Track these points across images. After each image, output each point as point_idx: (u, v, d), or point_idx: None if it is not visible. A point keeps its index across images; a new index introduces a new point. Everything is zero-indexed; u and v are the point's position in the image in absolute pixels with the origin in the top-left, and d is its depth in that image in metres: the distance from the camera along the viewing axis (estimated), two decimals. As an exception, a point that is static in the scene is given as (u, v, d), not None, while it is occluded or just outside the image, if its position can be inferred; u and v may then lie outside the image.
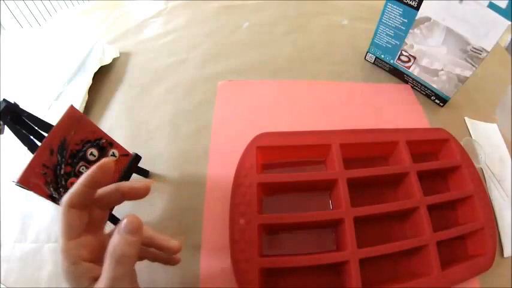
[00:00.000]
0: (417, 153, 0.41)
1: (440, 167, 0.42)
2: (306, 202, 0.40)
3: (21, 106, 0.31)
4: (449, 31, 0.44)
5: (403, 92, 0.55)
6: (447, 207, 0.41)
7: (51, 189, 0.30)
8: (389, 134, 0.43)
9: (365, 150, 0.42)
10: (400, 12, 0.48)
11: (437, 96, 0.52)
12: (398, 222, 0.40)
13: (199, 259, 0.36)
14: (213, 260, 0.36)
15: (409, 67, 0.53)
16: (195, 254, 0.37)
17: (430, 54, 0.49)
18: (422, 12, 0.46)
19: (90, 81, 0.52)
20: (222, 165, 0.42)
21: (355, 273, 0.33)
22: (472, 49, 0.43)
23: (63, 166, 0.31)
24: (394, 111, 0.51)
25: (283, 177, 0.38)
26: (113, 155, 0.36)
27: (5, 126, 0.30)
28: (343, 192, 0.37)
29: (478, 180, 0.41)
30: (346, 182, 0.37)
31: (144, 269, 0.36)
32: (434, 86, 0.51)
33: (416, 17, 0.47)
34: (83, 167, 0.33)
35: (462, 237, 0.39)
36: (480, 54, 0.43)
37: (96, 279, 0.22)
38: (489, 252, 0.36)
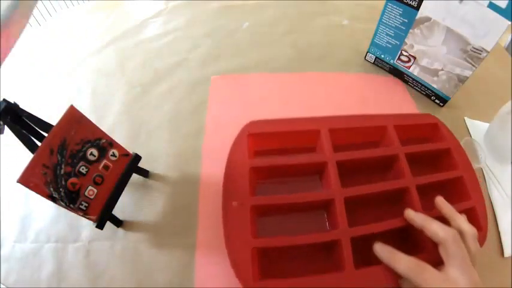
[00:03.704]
0: (407, 138, 0.42)
1: (428, 149, 0.42)
2: (297, 187, 0.41)
3: (21, 106, 0.31)
4: (449, 31, 0.44)
5: (392, 83, 0.56)
6: (438, 189, 0.41)
7: (51, 189, 0.30)
8: (377, 119, 0.43)
9: (354, 135, 0.43)
10: (400, 12, 0.48)
11: (437, 96, 0.52)
12: (390, 206, 0.40)
13: (194, 259, 0.36)
14: (208, 259, 0.36)
15: (409, 67, 0.53)
16: (192, 253, 0.37)
17: (430, 54, 0.49)
18: (422, 12, 0.46)
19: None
20: (216, 163, 0.42)
21: (347, 252, 0.33)
22: (472, 49, 0.43)
23: (63, 166, 0.31)
24: (384, 100, 0.53)
25: (274, 160, 0.39)
26: (113, 155, 0.36)
27: (5, 126, 0.30)
28: (333, 174, 0.37)
29: (467, 162, 0.41)
30: (336, 164, 0.38)
31: (141, 269, 0.36)
32: (434, 86, 0.51)
33: (416, 17, 0.47)
34: (83, 167, 0.33)
35: None
36: (480, 54, 0.43)
37: None
38: (481, 229, 0.37)
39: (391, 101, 0.53)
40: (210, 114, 0.49)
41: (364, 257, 0.33)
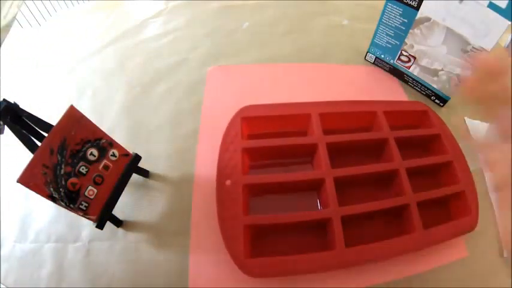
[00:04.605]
0: (398, 125, 0.42)
1: (418, 134, 0.43)
2: (289, 169, 0.42)
3: (21, 106, 0.31)
4: (449, 31, 0.44)
5: (381, 73, 0.57)
6: (428, 173, 0.42)
7: (51, 189, 0.30)
8: (367, 105, 0.44)
9: (344, 120, 0.44)
10: (400, 12, 0.48)
11: (437, 96, 0.52)
12: (381, 188, 0.40)
13: (188, 259, 0.36)
14: (202, 259, 0.36)
15: (409, 67, 0.53)
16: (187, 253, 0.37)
17: (430, 54, 0.49)
18: (422, 12, 0.46)
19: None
20: (209, 162, 0.42)
21: (338, 231, 0.33)
22: (472, 49, 0.43)
23: (63, 166, 0.31)
24: (375, 90, 0.54)
25: (265, 142, 0.40)
26: (113, 155, 0.36)
27: (5, 126, 0.30)
28: (323, 155, 0.38)
29: (457, 147, 0.42)
30: (326, 146, 0.39)
31: (141, 269, 0.36)
32: (434, 86, 0.51)
33: (416, 17, 0.47)
34: (83, 167, 0.33)
35: (444, 203, 0.40)
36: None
37: None
38: (471, 213, 0.37)
39: (382, 91, 0.55)
40: (206, 103, 0.50)
41: (355, 236, 0.34)
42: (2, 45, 0.63)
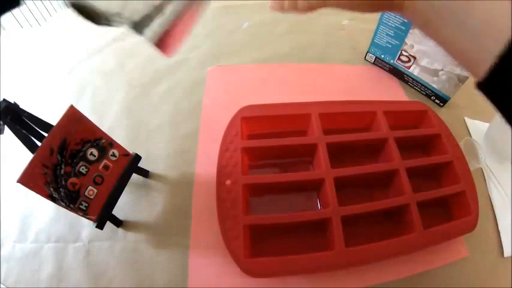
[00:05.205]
0: (398, 125, 0.43)
1: (418, 134, 0.43)
2: (289, 169, 0.42)
3: (21, 106, 0.31)
4: (449, 31, 0.44)
5: (381, 73, 0.58)
6: (428, 174, 0.42)
7: (51, 189, 0.30)
8: (367, 105, 0.44)
9: (344, 120, 0.44)
10: (400, 12, 0.48)
11: (437, 96, 0.52)
12: (381, 188, 0.41)
13: (188, 259, 0.36)
14: (201, 260, 0.36)
15: (409, 67, 0.53)
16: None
17: (430, 54, 0.49)
18: (422, 12, 0.46)
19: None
20: (209, 162, 0.42)
21: (338, 231, 0.33)
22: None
23: (63, 166, 0.31)
24: (375, 90, 0.54)
25: (265, 142, 0.40)
26: (113, 155, 0.36)
27: (5, 126, 0.30)
28: (323, 155, 0.38)
29: (457, 148, 0.42)
30: (326, 146, 0.39)
31: (141, 269, 0.36)
32: (434, 86, 0.51)
33: (416, 17, 0.47)
34: (83, 167, 0.33)
35: (444, 203, 0.40)
36: (480, 54, 0.43)
37: None
38: (472, 213, 0.37)
39: (381, 90, 0.55)
40: (206, 103, 0.50)
41: (355, 236, 0.34)
42: (2, 46, 0.63)
